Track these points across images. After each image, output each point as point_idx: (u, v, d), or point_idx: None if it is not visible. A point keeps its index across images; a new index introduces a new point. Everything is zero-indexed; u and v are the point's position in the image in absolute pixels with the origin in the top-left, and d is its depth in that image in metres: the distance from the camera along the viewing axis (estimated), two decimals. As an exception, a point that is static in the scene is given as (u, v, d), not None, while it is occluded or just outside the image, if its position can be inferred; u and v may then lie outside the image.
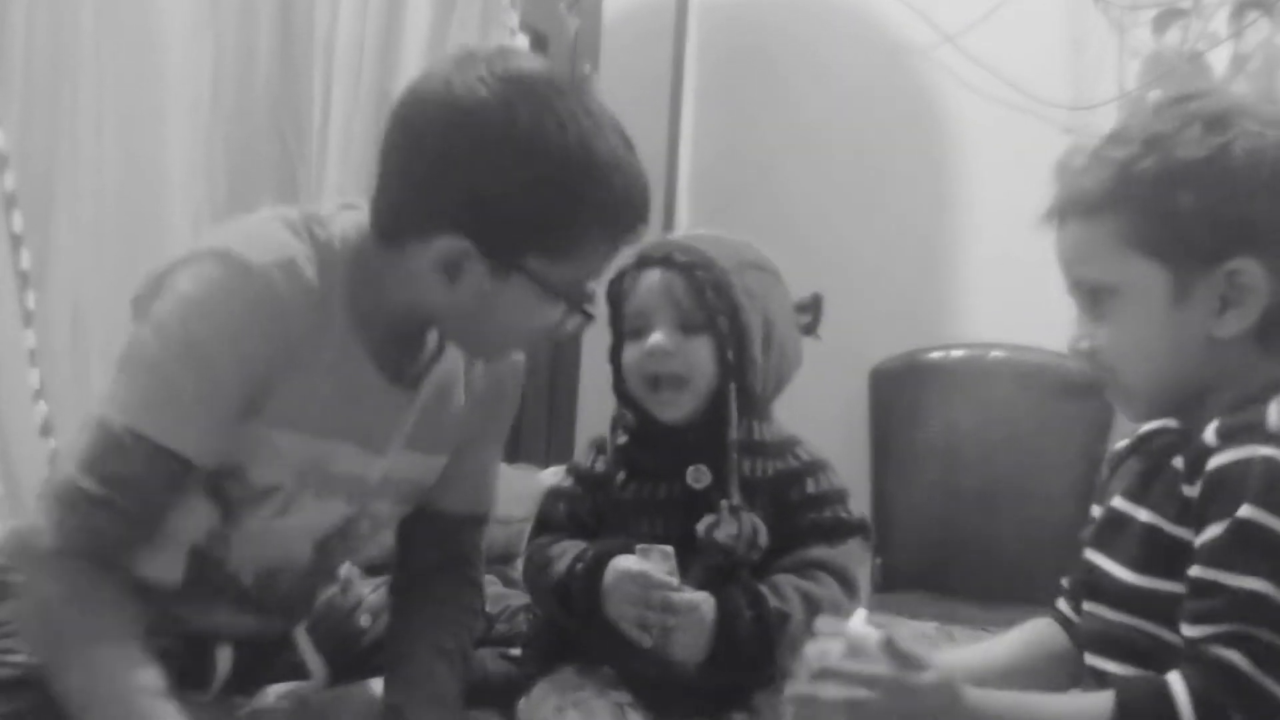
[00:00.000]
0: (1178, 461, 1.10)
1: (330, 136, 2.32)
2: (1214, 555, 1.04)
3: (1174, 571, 1.08)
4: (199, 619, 1.37)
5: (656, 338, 1.46)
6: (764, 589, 1.43)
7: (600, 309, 1.45)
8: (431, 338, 1.39)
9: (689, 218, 3.19)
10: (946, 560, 2.67)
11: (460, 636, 1.47)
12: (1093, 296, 1.16)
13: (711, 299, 1.45)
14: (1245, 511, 1.02)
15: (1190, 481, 1.07)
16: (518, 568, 2.07)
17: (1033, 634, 1.35)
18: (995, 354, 2.72)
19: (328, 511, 1.36)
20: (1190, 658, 1.04)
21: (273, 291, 1.22)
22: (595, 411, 3.04)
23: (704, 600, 1.41)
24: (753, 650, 1.41)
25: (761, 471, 1.49)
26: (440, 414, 1.42)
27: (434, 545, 1.50)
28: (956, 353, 2.80)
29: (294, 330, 1.24)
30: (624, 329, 1.51)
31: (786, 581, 1.44)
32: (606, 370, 1.56)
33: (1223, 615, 1.02)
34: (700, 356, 1.47)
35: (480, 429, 1.49)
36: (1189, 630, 1.05)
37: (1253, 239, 1.08)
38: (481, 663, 1.60)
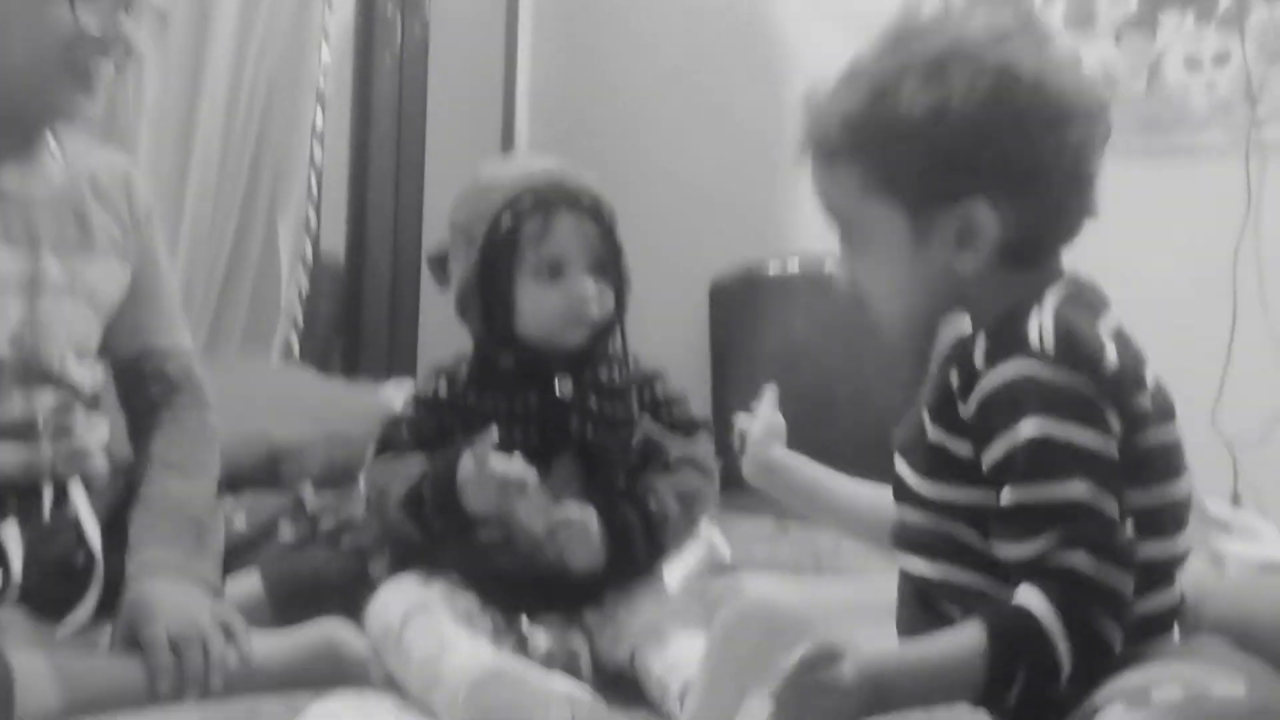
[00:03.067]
0: (953, 376, 1.13)
1: (144, 107, 2.36)
2: (1018, 474, 1.07)
3: (958, 480, 1.12)
4: None
5: (589, 285, 1.54)
6: (645, 494, 1.54)
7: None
8: (44, 154, 1.57)
9: (529, 134, 3.17)
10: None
11: (187, 449, 1.61)
12: (844, 231, 1.21)
13: (616, 242, 1.57)
14: (1032, 427, 1.05)
15: (963, 399, 1.11)
16: (360, 485, 2.07)
17: None
18: (830, 264, 2.76)
19: (3, 308, 1.50)
20: (1037, 574, 1.05)
21: None
22: (437, 323, 3.02)
23: (586, 512, 1.50)
24: (644, 555, 1.53)
25: (619, 377, 1.61)
26: (81, 220, 1.57)
27: (144, 382, 1.64)
28: (792, 267, 2.85)
29: None
30: (529, 268, 1.54)
31: (659, 483, 1.56)
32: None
33: (1050, 526, 1.05)
34: (610, 297, 1.58)
35: (135, 246, 1.64)
36: (1019, 550, 1.07)
37: (980, 182, 1.12)
38: (310, 561, 1.64)
